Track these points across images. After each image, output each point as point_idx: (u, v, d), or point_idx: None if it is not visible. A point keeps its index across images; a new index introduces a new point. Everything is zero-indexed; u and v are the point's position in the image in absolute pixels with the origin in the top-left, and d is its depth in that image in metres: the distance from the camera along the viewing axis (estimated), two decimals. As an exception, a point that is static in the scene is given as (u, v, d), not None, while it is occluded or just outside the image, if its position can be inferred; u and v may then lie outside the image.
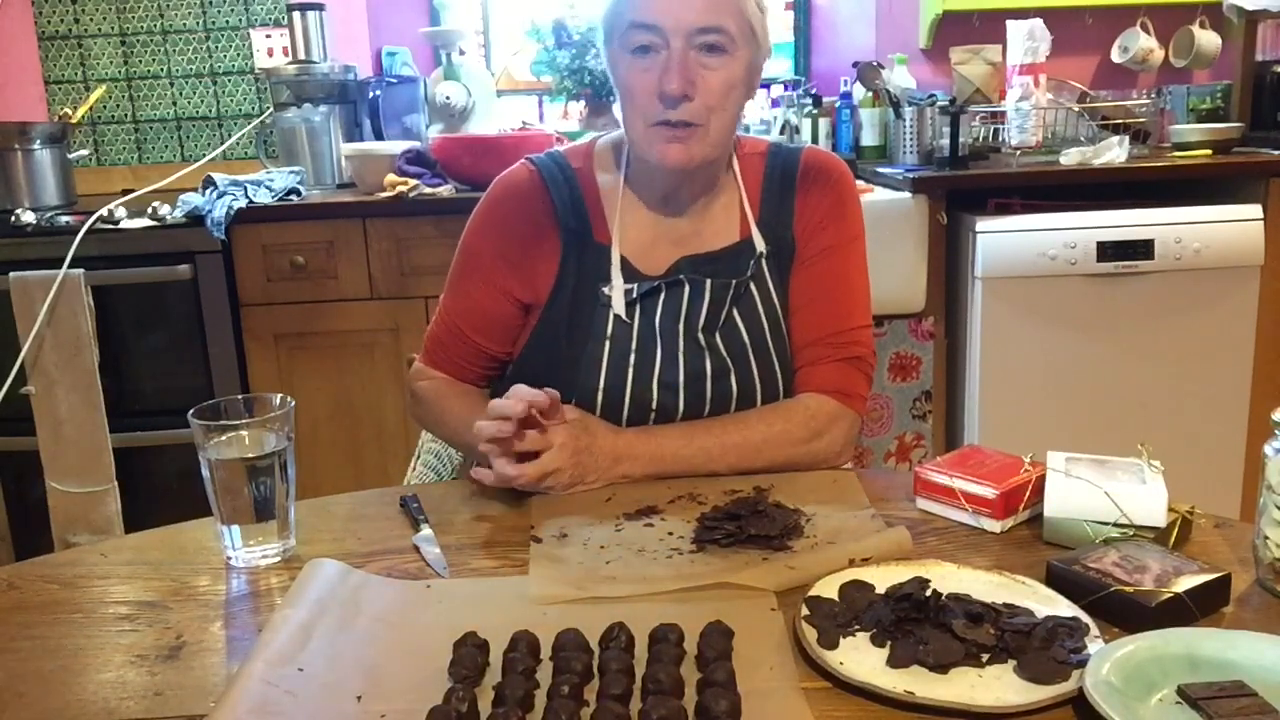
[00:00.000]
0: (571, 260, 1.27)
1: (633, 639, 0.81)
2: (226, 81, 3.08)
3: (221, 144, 3.10)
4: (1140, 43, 2.99)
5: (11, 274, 2.37)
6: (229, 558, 1.02)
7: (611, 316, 1.25)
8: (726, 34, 1.18)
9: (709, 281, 1.26)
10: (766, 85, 3.13)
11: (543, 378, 1.17)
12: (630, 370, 1.25)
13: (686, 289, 1.26)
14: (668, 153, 1.21)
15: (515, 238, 1.29)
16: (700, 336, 1.27)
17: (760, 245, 1.29)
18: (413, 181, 2.46)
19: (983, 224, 2.48)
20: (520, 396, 1.11)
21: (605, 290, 1.26)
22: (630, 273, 1.27)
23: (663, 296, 1.26)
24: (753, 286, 1.29)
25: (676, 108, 1.18)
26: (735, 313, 1.28)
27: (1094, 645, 0.78)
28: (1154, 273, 2.48)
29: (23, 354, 2.37)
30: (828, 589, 0.88)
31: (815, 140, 2.93)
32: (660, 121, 1.19)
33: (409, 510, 1.10)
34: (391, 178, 2.48)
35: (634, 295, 1.26)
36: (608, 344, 1.25)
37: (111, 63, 3.05)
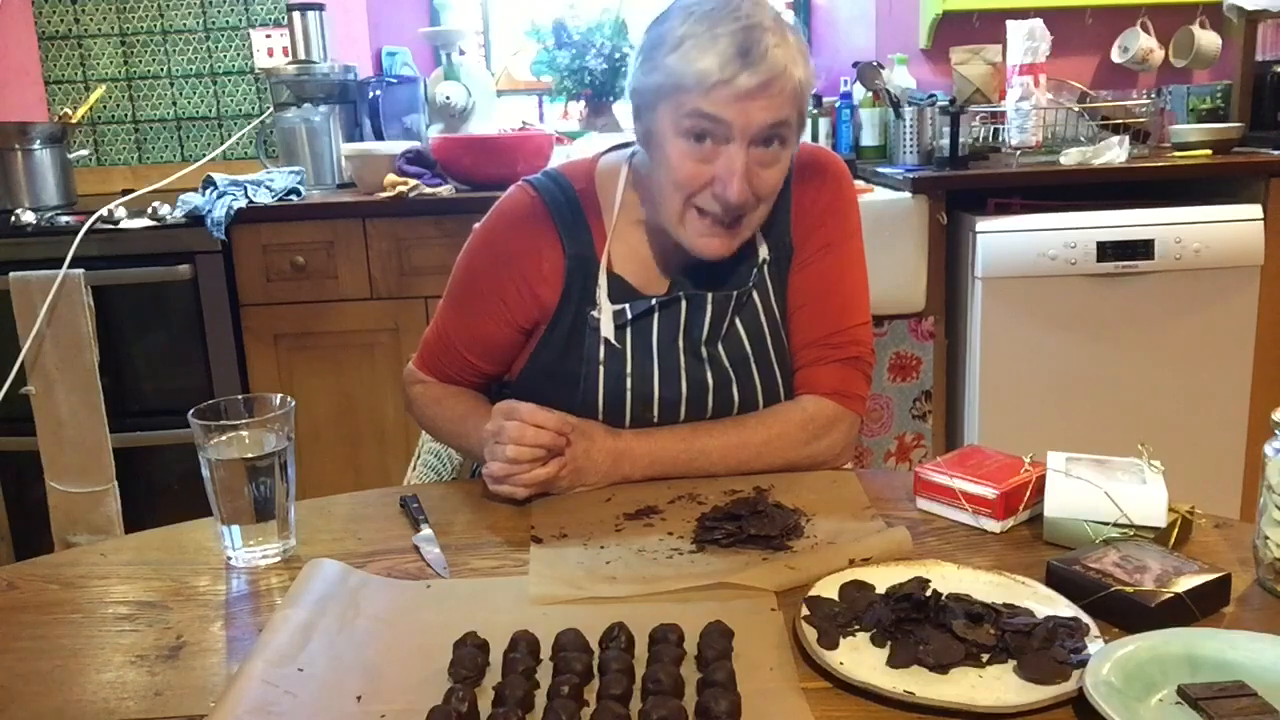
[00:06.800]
0: (575, 285, 1.25)
1: (633, 639, 0.81)
2: (226, 81, 3.08)
3: (221, 144, 3.09)
4: (1140, 43, 2.99)
5: (11, 274, 2.37)
6: (229, 558, 1.02)
7: (602, 339, 1.24)
8: (788, 126, 1.13)
9: (710, 296, 1.24)
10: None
11: (542, 396, 1.17)
12: (628, 393, 1.24)
13: (684, 305, 1.24)
14: (709, 246, 1.18)
15: (520, 266, 1.26)
16: (702, 349, 1.26)
17: (763, 252, 1.27)
18: (413, 181, 2.46)
19: (983, 224, 2.48)
20: (549, 426, 1.11)
21: (594, 314, 1.24)
22: (627, 293, 1.25)
23: (657, 315, 1.24)
24: (754, 294, 1.28)
25: (729, 210, 1.14)
26: (737, 321, 1.27)
27: (1094, 645, 0.78)
28: (1154, 273, 2.48)
29: (23, 354, 2.37)
30: (828, 589, 0.88)
31: (815, 140, 2.93)
32: (704, 210, 1.15)
33: (409, 510, 1.10)
34: (391, 178, 2.48)
35: (627, 317, 1.24)
36: (601, 367, 1.24)
37: (111, 63, 3.05)
